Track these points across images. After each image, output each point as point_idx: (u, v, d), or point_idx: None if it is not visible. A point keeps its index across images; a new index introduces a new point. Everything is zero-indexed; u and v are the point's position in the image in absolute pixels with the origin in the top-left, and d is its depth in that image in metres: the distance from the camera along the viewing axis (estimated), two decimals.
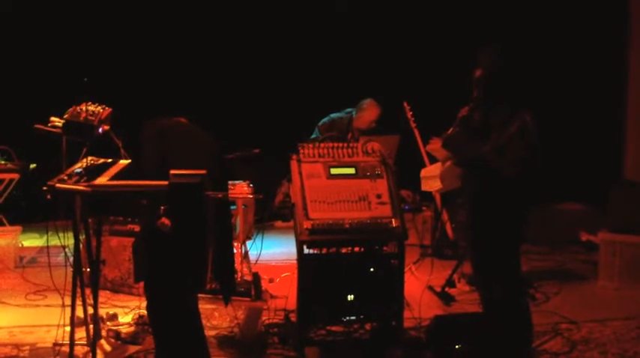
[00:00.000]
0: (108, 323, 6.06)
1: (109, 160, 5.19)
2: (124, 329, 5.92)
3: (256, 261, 7.21)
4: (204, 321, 5.18)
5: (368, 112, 8.16)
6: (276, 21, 10.68)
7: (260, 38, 10.65)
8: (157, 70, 9.63)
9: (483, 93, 5.02)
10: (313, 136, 7.98)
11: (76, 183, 4.83)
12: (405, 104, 8.69)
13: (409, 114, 8.65)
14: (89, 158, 5.06)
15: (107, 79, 7.64)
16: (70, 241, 5.36)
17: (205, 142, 5.07)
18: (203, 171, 4.57)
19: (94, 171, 4.95)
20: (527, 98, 4.97)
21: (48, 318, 6.13)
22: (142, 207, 5.03)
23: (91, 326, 5.40)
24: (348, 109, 8.26)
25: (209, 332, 5.66)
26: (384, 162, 5.78)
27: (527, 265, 7.88)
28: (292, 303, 5.76)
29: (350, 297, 5.55)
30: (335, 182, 5.61)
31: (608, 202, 7.89)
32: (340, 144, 5.84)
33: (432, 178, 6.22)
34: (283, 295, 6.34)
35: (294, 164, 5.67)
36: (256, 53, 10.61)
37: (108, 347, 5.62)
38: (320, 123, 8.14)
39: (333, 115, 8.19)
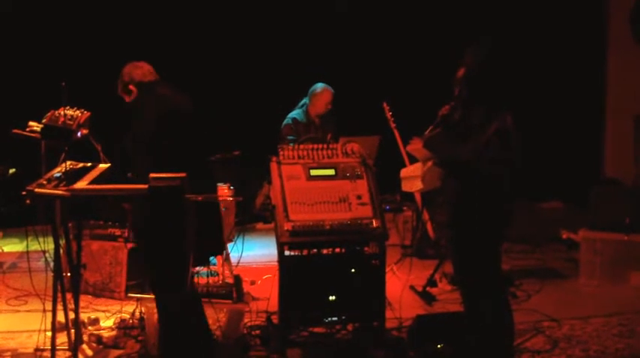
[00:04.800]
0: (89, 327, 6.05)
1: (89, 164, 5.17)
2: (105, 334, 5.91)
3: (237, 263, 7.17)
4: None
5: (322, 96, 7.97)
6: (252, 22, 10.68)
7: (235, 40, 10.63)
8: None
9: (465, 93, 5.02)
10: (291, 140, 7.90)
11: (56, 187, 4.81)
12: (385, 104, 8.70)
13: (389, 114, 8.66)
14: (68, 162, 5.05)
15: (86, 83, 7.62)
16: (50, 246, 5.34)
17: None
18: (183, 174, 4.57)
19: (73, 176, 4.94)
20: (509, 99, 4.98)
21: (29, 324, 6.09)
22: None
23: (73, 330, 5.38)
24: (302, 103, 8.11)
25: None
26: (363, 163, 5.78)
27: (508, 263, 7.91)
28: (274, 305, 5.75)
29: (332, 298, 5.55)
30: (315, 183, 5.60)
31: (588, 200, 7.93)
32: (320, 146, 5.83)
33: (412, 178, 6.22)
34: (265, 297, 6.33)
35: (273, 166, 5.66)
36: (232, 54, 10.59)
37: (89, 352, 5.58)
38: (283, 126, 7.95)
39: (291, 115, 8.01)
